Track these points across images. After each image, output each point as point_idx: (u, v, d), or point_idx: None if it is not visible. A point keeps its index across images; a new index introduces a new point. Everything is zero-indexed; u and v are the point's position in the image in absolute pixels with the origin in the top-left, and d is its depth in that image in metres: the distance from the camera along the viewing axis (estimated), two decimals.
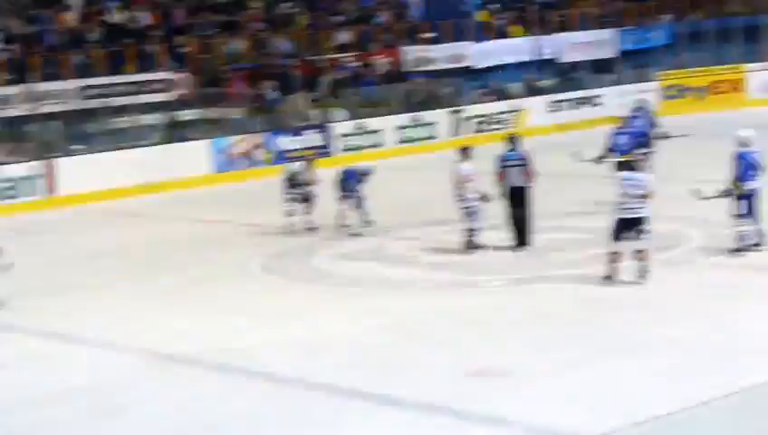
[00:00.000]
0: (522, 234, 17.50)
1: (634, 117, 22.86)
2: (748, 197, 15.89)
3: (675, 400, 10.33)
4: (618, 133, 21.25)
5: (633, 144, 21.03)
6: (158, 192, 26.04)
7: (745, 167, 15.89)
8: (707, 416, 10.09)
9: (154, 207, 24.61)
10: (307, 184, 20.13)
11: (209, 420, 10.96)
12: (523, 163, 17.55)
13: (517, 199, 17.47)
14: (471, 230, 17.59)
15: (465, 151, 17.92)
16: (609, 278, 14.89)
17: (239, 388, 11.93)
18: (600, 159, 21.11)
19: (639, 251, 14.84)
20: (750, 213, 15.93)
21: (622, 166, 15.57)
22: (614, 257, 14.88)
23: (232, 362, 12.71)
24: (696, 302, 14.07)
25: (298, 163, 20.36)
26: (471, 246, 17.56)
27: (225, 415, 11.09)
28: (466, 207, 17.53)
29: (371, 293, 15.61)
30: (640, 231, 14.79)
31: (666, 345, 12.27)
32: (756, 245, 16.03)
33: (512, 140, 18.02)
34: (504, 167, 17.55)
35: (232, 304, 15.58)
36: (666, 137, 23.07)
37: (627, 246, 14.89)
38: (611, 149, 21.06)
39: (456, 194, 17.66)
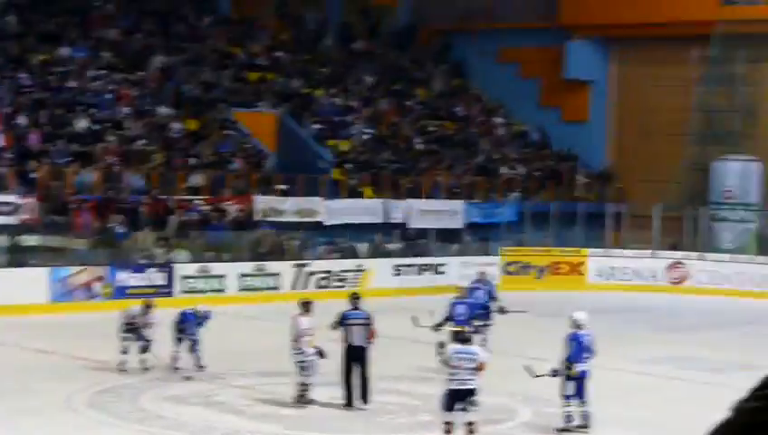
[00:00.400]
0: (363, 392, 17.51)
1: (474, 288, 23.27)
2: (577, 378, 16.19)
3: None
4: (456, 303, 21.56)
5: (471, 315, 21.36)
6: None
7: (577, 349, 16.23)
8: None
9: None
10: (144, 326, 19.87)
11: None
12: (365, 322, 17.67)
13: (357, 358, 17.53)
14: (304, 384, 17.57)
15: (305, 305, 17.99)
16: None
17: None
18: (437, 327, 21.37)
19: (469, 423, 14.93)
20: (577, 394, 16.22)
21: (456, 336, 15.76)
22: (446, 428, 14.94)
23: None
24: None
25: (137, 307, 20.13)
26: (302, 400, 17.53)
27: None
28: (301, 361, 17.52)
29: None
30: (471, 403, 14.89)
31: None
32: (582, 427, 16.30)
33: (355, 298, 18.15)
34: (347, 325, 17.63)
35: None
36: (503, 311, 23.49)
37: (457, 417, 14.97)
38: (449, 319, 21.35)
39: (292, 346, 17.66)
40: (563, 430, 16.19)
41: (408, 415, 17.26)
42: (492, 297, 23.58)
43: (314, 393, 17.66)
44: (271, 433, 15.94)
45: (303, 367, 17.54)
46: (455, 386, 14.90)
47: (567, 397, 16.19)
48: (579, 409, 16.29)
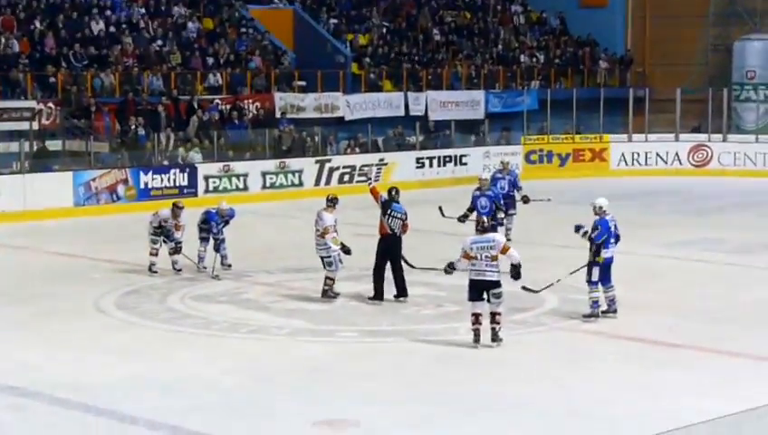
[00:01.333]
0: (402, 285, 17.62)
1: (497, 178, 23.25)
2: (603, 264, 16.18)
3: None
4: (479, 196, 21.55)
5: (493, 206, 21.37)
6: (16, 222, 25.66)
7: (604, 234, 16.17)
8: None
9: (11, 236, 24.19)
10: (175, 228, 19.87)
11: None
12: (403, 218, 17.68)
13: (395, 249, 17.59)
14: (329, 279, 17.66)
15: (331, 201, 17.98)
16: (475, 338, 14.98)
17: (84, 425, 11.78)
18: (462, 218, 21.41)
19: (493, 314, 15.00)
20: (603, 280, 16.24)
21: (476, 226, 15.73)
22: (473, 319, 15.00)
23: (78, 399, 12.55)
24: (548, 364, 14.28)
25: (167, 210, 20.10)
26: (328, 294, 17.63)
27: None
28: (327, 256, 17.60)
29: (225, 336, 15.54)
30: (494, 295, 14.93)
31: (514, 405, 12.44)
32: (608, 312, 16.34)
33: (395, 192, 18.01)
34: (390, 215, 17.60)
35: (83, 340, 15.40)
36: (527, 200, 23.49)
37: (484, 307, 15.06)
38: (472, 210, 21.37)
39: (317, 242, 17.73)
40: (590, 315, 16.24)
41: (433, 307, 17.34)
42: (515, 187, 23.57)
43: (340, 287, 17.76)
44: (297, 328, 16.05)
45: (329, 262, 17.62)
46: (473, 277, 14.93)
47: (593, 283, 16.21)
48: (605, 294, 16.34)
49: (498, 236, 15.42)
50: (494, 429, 11.68)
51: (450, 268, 15.39)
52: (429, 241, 22.58)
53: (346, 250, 17.67)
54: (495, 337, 14.93)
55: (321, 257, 17.71)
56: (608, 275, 16.30)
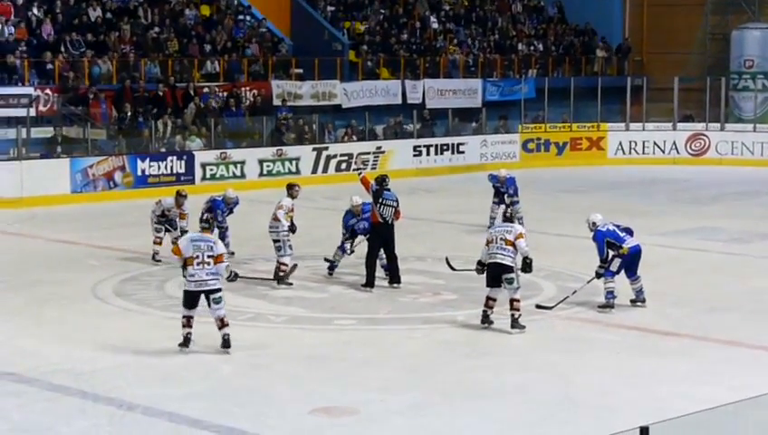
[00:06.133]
0: (394, 272, 17.68)
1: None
2: (627, 255, 16.14)
3: None
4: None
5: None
6: (13, 208, 25.65)
7: (603, 245, 16.15)
8: None
9: (8, 223, 24.17)
10: (178, 217, 19.84)
11: None
12: (394, 205, 17.71)
13: (387, 237, 17.63)
14: (282, 265, 17.89)
15: (290, 188, 18.39)
16: (482, 319, 15.17)
17: (81, 410, 11.80)
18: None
19: (511, 301, 15.08)
20: (629, 272, 16.25)
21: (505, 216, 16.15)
22: (486, 302, 15.16)
23: (76, 385, 12.57)
24: (546, 352, 14.30)
25: (170, 198, 20.06)
26: (285, 281, 17.83)
27: None
28: (275, 240, 17.94)
29: None
30: (506, 280, 15.02)
31: (511, 392, 12.46)
32: (639, 301, 16.39)
33: (385, 180, 18.07)
34: (381, 204, 17.64)
35: (82, 327, 15.41)
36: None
37: (498, 293, 15.14)
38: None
39: (269, 225, 18.09)
40: (605, 306, 16.17)
41: (431, 294, 17.36)
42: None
43: (337, 276, 17.80)
44: (295, 316, 16.06)
45: (277, 247, 17.92)
46: (488, 260, 15.14)
47: (610, 273, 16.15)
48: (632, 286, 16.40)
49: (518, 226, 15.68)
50: (492, 416, 11.70)
51: (480, 265, 15.47)
52: (428, 230, 22.63)
53: (293, 229, 17.95)
54: (515, 324, 15.04)
55: (273, 241, 17.92)
56: (634, 266, 16.29)
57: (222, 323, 13.92)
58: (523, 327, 15.02)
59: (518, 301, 15.10)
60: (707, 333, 15.14)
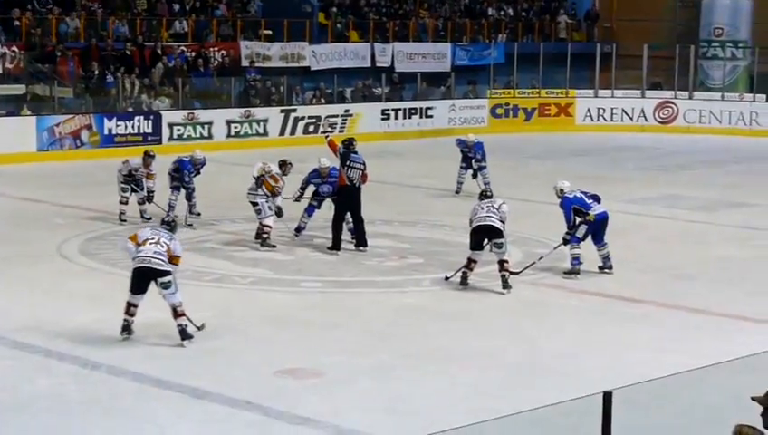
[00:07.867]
0: (361, 235, 17.67)
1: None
2: (593, 223, 16.17)
3: (476, 411, 10.38)
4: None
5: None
6: None
7: (570, 212, 16.18)
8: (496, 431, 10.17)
9: None
10: (145, 177, 19.71)
11: (12, 401, 10.79)
12: (361, 167, 17.64)
13: (354, 200, 17.59)
14: (266, 226, 17.80)
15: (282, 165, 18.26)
16: (461, 281, 15.36)
17: (45, 369, 11.76)
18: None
19: (500, 262, 15.27)
20: (596, 239, 16.29)
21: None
22: (466, 262, 15.34)
23: (40, 343, 12.52)
24: (512, 317, 14.33)
25: (137, 158, 19.91)
26: (267, 243, 17.75)
27: (29, 396, 10.92)
28: (254, 203, 17.83)
29: (189, 284, 15.46)
30: (496, 244, 15.18)
31: (477, 357, 12.48)
32: (606, 268, 16.44)
33: (351, 143, 18.01)
34: (348, 166, 17.58)
35: (45, 285, 15.34)
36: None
37: (479, 256, 15.31)
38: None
39: (248, 189, 18.02)
40: (570, 272, 16.20)
41: (397, 258, 17.36)
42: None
43: (305, 238, 17.76)
44: (261, 277, 16.02)
45: (257, 210, 17.82)
46: (476, 224, 15.30)
47: (575, 239, 16.17)
48: (599, 252, 16.42)
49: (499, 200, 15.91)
50: (459, 381, 11.71)
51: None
52: (395, 193, 22.60)
53: (279, 213, 17.90)
54: (505, 284, 15.25)
55: (251, 204, 17.87)
56: (601, 233, 16.32)
57: (175, 314, 12.64)
58: (511, 287, 15.25)
59: (507, 262, 15.35)
60: (672, 300, 15.20)
